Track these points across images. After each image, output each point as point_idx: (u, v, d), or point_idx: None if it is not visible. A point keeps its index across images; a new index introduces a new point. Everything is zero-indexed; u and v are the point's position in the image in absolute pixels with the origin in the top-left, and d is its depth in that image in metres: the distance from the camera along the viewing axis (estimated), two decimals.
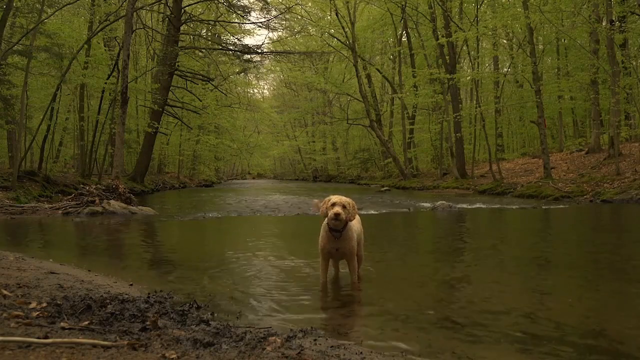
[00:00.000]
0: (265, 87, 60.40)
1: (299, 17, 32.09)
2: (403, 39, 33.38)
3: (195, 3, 25.86)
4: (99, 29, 19.20)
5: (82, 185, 15.21)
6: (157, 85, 24.37)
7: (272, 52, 30.41)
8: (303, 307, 3.41)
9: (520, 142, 34.60)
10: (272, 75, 50.69)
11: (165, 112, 25.25)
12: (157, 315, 2.63)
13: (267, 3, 27.44)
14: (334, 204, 3.73)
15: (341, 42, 32.10)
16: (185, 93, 27.49)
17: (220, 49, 27.57)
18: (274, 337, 2.40)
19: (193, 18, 25.78)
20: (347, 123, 39.38)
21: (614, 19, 18.19)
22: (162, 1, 22.71)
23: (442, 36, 24.39)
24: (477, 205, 13.14)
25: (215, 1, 27.08)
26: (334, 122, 46.82)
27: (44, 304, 2.71)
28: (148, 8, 24.92)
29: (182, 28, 25.36)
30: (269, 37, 69.45)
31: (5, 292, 2.90)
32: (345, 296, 3.81)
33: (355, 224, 4.04)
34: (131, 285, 3.93)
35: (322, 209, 3.86)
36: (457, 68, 27.41)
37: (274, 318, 3.11)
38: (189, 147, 37.51)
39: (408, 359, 2.41)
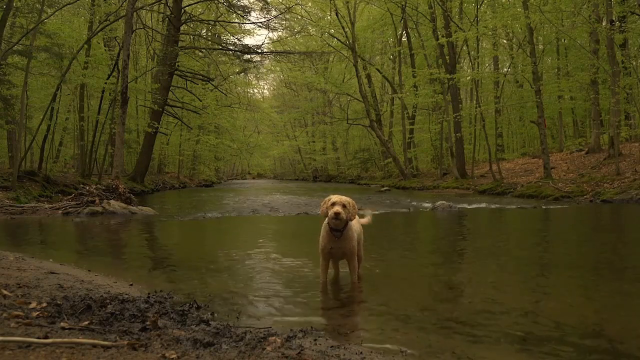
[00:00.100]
0: (265, 87, 60.48)
1: (299, 17, 32.10)
2: (403, 39, 33.38)
3: (195, 3, 25.86)
4: (99, 29, 19.20)
5: (82, 185, 15.21)
6: (157, 85, 24.37)
7: (272, 52, 30.41)
8: (303, 307, 3.41)
9: (520, 142, 34.60)
10: (272, 75, 50.75)
11: (165, 112, 25.25)
12: (157, 315, 2.63)
13: (267, 3, 27.45)
14: (334, 204, 3.74)
15: (341, 42, 32.10)
16: (185, 93, 27.49)
17: (220, 49, 27.57)
18: (274, 337, 2.40)
19: (193, 18, 25.78)
20: (347, 123, 39.39)
21: (614, 19, 18.19)
22: (162, 1, 22.72)
23: (442, 36, 24.39)
24: (477, 205, 13.14)
25: (215, 1, 27.08)
26: (334, 122, 46.82)
27: (44, 304, 2.71)
28: (148, 8, 24.92)
29: (182, 28, 25.36)
30: (269, 37, 69.56)
31: (5, 292, 2.90)
32: (345, 296, 3.81)
33: (355, 224, 4.04)
34: (131, 285, 3.93)
35: (322, 209, 3.86)
36: (457, 68, 27.41)
37: (274, 318, 3.11)
38: (189, 147, 37.51)
39: (408, 359, 2.41)
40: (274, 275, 4.51)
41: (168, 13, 24.39)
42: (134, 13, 16.64)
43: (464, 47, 26.51)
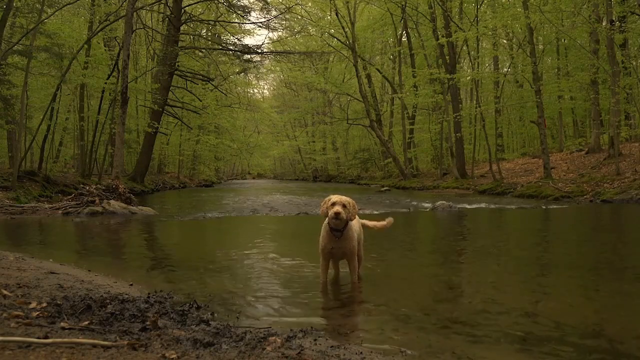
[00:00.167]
0: (265, 87, 60.48)
1: (299, 17, 32.10)
2: (403, 39, 33.38)
3: (195, 3, 25.86)
4: (99, 29, 19.21)
5: (82, 185, 15.21)
6: (157, 85, 24.37)
7: (272, 52, 30.42)
8: (303, 307, 3.41)
9: (520, 142, 34.60)
10: (272, 75, 50.74)
11: (165, 112, 25.26)
12: (157, 315, 2.63)
13: (267, 3, 27.46)
14: (334, 204, 3.74)
15: (341, 42, 32.10)
16: (185, 93, 27.49)
17: (220, 49, 27.57)
18: (274, 337, 2.40)
19: (193, 18, 25.78)
20: (347, 123, 39.38)
21: (614, 19, 18.19)
22: (162, 1, 22.72)
23: (442, 36, 24.39)
24: (477, 205, 13.14)
25: (215, 1, 27.09)
26: (334, 122, 46.82)
27: (44, 304, 2.71)
28: (148, 8, 24.92)
29: (182, 28, 25.36)
30: (269, 37, 69.57)
31: (5, 292, 2.90)
32: (345, 296, 3.81)
33: (355, 224, 4.04)
34: (131, 285, 3.93)
35: (322, 209, 3.86)
36: (457, 68, 27.41)
37: (274, 318, 3.11)
38: (189, 147, 37.52)
39: (408, 359, 2.41)
40: (274, 275, 4.51)
41: (168, 13, 24.39)
42: (134, 13, 16.65)
43: (464, 47, 26.51)
